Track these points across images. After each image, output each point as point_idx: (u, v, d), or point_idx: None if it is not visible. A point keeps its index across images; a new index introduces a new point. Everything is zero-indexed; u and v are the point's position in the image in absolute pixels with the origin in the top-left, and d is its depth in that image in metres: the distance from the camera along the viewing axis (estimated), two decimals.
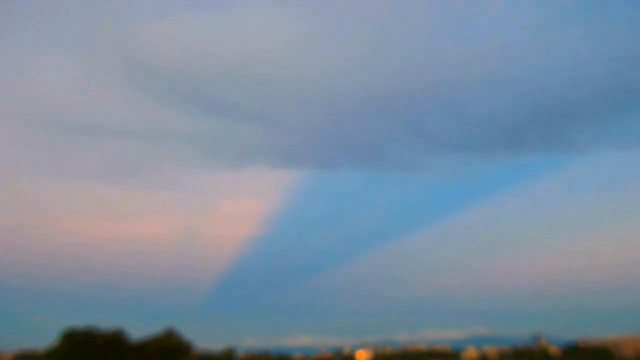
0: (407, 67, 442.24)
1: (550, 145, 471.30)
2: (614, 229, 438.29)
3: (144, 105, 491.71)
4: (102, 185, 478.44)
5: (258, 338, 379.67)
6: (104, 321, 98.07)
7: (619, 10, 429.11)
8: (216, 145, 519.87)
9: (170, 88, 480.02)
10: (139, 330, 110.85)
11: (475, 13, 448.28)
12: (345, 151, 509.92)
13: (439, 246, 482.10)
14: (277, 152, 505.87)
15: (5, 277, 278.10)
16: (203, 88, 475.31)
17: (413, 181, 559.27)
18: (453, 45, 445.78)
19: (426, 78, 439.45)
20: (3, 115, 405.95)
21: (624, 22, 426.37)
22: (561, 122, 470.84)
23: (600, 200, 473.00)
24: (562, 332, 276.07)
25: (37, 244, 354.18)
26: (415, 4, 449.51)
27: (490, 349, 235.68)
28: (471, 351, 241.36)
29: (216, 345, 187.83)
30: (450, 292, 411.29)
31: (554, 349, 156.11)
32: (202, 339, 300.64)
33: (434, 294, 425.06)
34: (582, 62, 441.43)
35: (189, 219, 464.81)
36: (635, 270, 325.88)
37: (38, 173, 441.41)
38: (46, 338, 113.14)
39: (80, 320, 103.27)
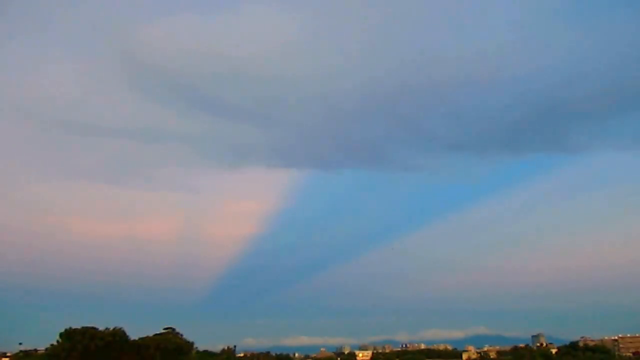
0: (406, 66, 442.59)
1: (550, 145, 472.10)
2: (613, 228, 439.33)
3: (143, 105, 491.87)
4: (102, 185, 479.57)
5: (258, 338, 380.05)
6: (104, 321, 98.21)
7: (617, 10, 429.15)
8: (216, 146, 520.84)
9: (170, 88, 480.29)
10: (139, 330, 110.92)
11: (474, 12, 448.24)
12: (345, 151, 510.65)
13: (439, 246, 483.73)
14: (277, 152, 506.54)
15: (5, 277, 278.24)
16: (202, 88, 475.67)
17: (413, 181, 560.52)
18: (452, 45, 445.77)
19: (425, 78, 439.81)
20: (4, 116, 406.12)
21: (623, 21, 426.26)
22: (560, 121, 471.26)
23: (600, 199, 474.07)
24: (562, 332, 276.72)
25: (37, 243, 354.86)
26: (414, 3, 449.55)
27: (490, 349, 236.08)
28: (471, 351, 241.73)
29: (216, 345, 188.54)
30: (451, 292, 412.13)
31: (553, 349, 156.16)
32: (202, 339, 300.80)
33: (434, 293, 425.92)
34: (581, 61, 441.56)
35: (189, 219, 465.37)
36: (634, 270, 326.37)
37: (38, 173, 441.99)
38: (46, 338, 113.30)
39: (80, 320, 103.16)
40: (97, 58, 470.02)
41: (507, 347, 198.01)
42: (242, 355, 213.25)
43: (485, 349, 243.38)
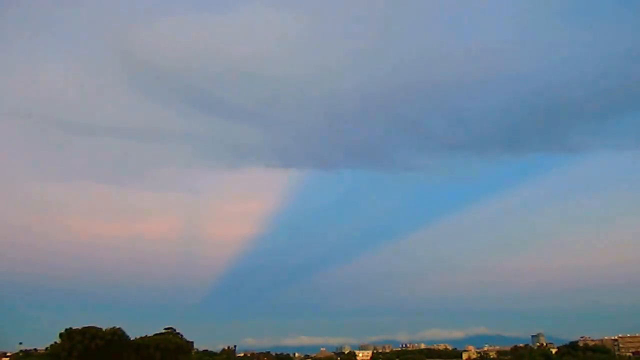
0: (406, 66, 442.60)
1: (550, 145, 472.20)
2: (613, 228, 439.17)
3: (143, 105, 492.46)
4: (102, 185, 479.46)
5: (258, 338, 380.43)
6: (104, 321, 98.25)
7: (617, 10, 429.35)
8: (215, 146, 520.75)
9: (169, 88, 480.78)
10: (139, 330, 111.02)
11: (474, 12, 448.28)
12: (345, 151, 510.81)
13: (439, 246, 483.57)
14: (276, 152, 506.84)
15: (5, 277, 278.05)
16: (202, 88, 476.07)
17: (413, 181, 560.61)
18: (452, 45, 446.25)
19: (425, 77, 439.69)
20: (4, 116, 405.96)
21: (623, 21, 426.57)
22: (560, 121, 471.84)
23: (599, 199, 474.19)
24: (562, 332, 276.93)
25: (36, 243, 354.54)
26: (414, 3, 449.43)
27: (490, 349, 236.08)
28: (471, 351, 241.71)
29: (216, 345, 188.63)
30: (451, 292, 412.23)
31: (553, 349, 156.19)
32: (202, 339, 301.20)
33: (434, 293, 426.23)
34: (580, 61, 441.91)
35: (188, 219, 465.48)
36: (634, 270, 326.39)
37: (38, 173, 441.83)
38: (46, 338, 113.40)
39: (80, 320, 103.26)
40: (97, 58, 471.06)
41: (507, 347, 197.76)
42: (242, 355, 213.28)
43: (485, 349, 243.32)
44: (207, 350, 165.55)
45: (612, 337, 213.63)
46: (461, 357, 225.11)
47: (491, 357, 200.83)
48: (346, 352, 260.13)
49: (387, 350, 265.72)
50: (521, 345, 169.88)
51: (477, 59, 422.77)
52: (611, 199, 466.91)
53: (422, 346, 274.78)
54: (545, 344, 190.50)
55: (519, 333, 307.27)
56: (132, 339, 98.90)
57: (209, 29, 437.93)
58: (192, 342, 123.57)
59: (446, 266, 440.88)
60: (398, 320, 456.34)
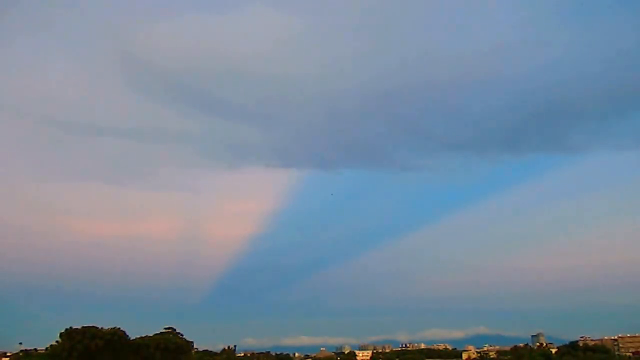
0: (406, 66, 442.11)
1: (550, 145, 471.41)
2: (613, 228, 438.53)
3: (143, 105, 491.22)
4: (102, 185, 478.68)
5: (258, 338, 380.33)
6: (104, 321, 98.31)
7: (617, 10, 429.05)
8: (215, 146, 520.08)
9: (169, 88, 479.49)
10: (139, 330, 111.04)
11: (474, 12, 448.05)
12: (345, 151, 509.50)
13: (439, 246, 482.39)
14: (276, 152, 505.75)
15: (5, 277, 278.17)
16: (202, 88, 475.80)
17: (413, 181, 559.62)
18: (451, 45, 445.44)
19: (425, 77, 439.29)
20: (3, 116, 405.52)
21: (622, 21, 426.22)
22: (560, 121, 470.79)
23: (599, 199, 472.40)
24: (562, 332, 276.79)
25: (36, 244, 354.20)
26: (414, 3, 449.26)
27: (490, 349, 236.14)
28: (471, 351, 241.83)
29: (216, 345, 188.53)
30: (451, 292, 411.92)
31: (553, 349, 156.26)
32: (202, 339, 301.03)
33: (434, 293, 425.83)
34: (580, 61, 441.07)
35: (188, 219, 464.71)
36: (634, 270, 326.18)
37: (37, 173, 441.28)
38: (46, 338, 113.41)
39: (80, 320, 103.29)
40: (97, 58, 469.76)
41: (507, 347, 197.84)
42: (242, 355, 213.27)
43: (485, 348, 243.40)
44: (207, 350, 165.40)
45: (612, 337, 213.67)
46: (461, 357, 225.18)
47: (491, 357, 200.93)
48: (346, 352, 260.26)
49: (387, 350, 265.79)
50: (521, 345, 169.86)
51: (477, 59, 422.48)
52: (611, 199, 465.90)
53: (422, 346, 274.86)
54: (545, 344, 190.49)
55: (519, 333, 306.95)
56: (132, 339, 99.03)
57: (209, 29, 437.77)
58: (192, 342, 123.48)
59: (446, 266, 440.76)
60: (398, 320, 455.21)
